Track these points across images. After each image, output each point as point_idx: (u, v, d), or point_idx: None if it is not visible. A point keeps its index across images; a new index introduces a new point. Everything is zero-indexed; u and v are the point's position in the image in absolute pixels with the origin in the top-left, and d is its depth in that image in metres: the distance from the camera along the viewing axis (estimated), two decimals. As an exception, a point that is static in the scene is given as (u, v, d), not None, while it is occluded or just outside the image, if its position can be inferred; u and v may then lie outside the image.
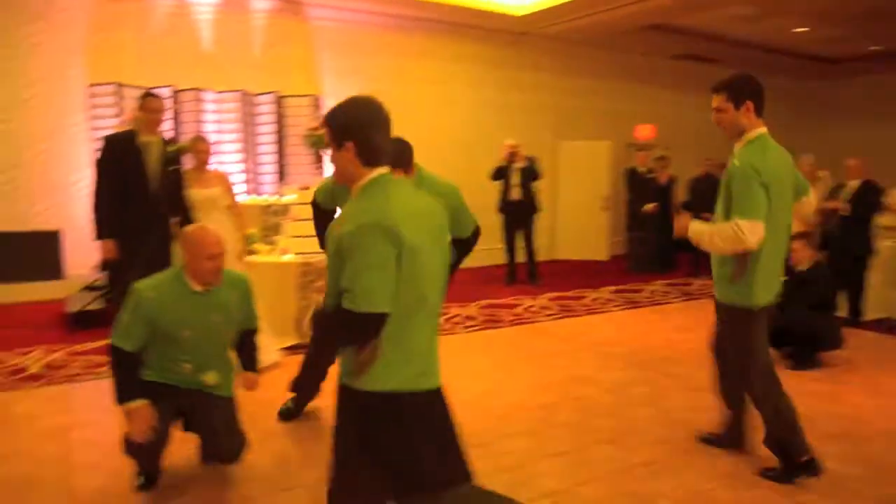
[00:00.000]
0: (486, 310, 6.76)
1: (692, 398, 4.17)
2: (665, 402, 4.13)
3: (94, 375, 4.54)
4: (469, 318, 6.40)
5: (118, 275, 4.32)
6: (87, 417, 3.79)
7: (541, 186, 8.48)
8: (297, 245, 5.24)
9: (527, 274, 8.22)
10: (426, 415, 1.93)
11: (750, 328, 3.04)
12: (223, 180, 4.95)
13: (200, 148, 4.75)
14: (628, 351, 5.28)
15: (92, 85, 7.10)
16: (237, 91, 7.66)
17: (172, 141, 4.45)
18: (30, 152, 7.03)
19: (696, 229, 3.10)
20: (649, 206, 9.03)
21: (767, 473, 3.11)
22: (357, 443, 1.90)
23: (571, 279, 8.67)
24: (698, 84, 12.20)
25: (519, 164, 8.01)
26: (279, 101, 7.86)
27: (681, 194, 9.45)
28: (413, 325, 1.87)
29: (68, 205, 7.19)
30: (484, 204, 9.32)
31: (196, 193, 4.66)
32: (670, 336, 5.77)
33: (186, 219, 4.48)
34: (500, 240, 8.28)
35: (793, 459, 3.05)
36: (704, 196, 8.96)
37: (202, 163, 4.78)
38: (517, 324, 6.22)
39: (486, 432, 3.65)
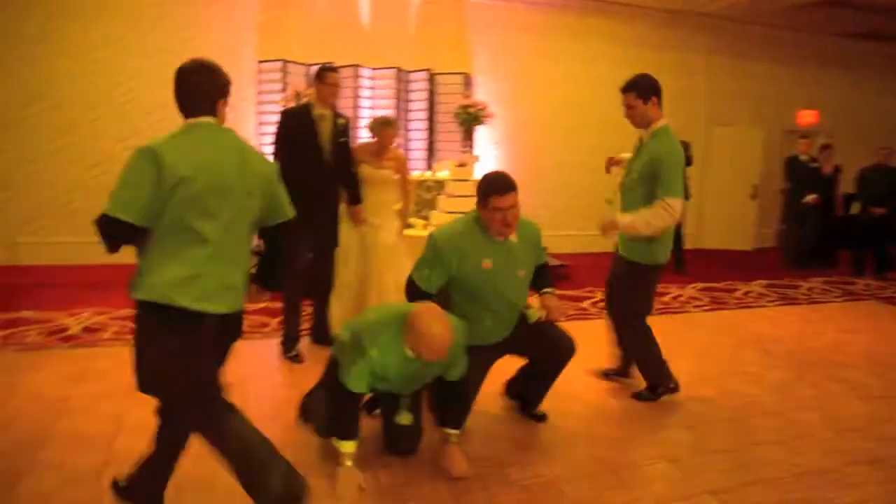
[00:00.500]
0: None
1: (866, 408, 3.86)
2: (834, 409, 3.84)
3: (261, 335, 4.86)
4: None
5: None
6: (258, 372, 4.07)
7: (690, 173, 8.10)
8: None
9: (673, 260, 7.84)
10: (178, 329, 2.20)
11: (649, 281, 3.73)
12: (399, 161, 4.90)
13: (385, 132, 4.69)
14: (789, 350, 4.97)
15: (261, 62, 7.53)
16: (392, 68, 7.86)
17: (341, 115, 4.56)
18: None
19: (627, 221, 3.51)
20: (811, 197, 8.42)
21: (637, 395, 3.83)
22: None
23: (719, 270, 8.28)
24: (871, 65, 11.23)
25: None
26: (431, 78, 7.99)
27: (846, 185, 8.75)
28: (176, 248, 2.17)
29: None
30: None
31: (366, 169, 4.69)
32: (835, 337, 5.37)
33: (354, 192, 4.64)
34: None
35: (660, 385, 3.80)
36: (876, 188, 8.28)
37: (384, 145, 4.74)
38: (665, 312, 6.02)
39: (641, 420, 3.58)
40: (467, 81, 8.05)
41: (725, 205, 10.29)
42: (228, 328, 2.40)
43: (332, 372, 2.87)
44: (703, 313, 6.07)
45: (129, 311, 5.16)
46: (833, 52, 10.90)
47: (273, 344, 4.62)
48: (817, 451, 3.27)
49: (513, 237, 3.09)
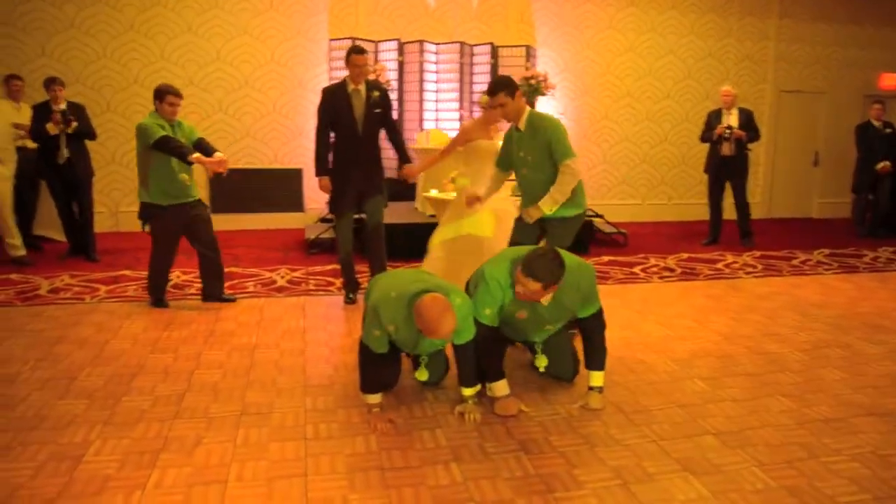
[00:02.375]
0: (686, 262, 6.75)
1: (894, 369, 3.98)
2: (860, 368, 3.96)
3: (325, 292, 5.38)
4: (667, 269, 6.47)
5: (334, 205, 5.19)
6: (318, 323, 4.57)
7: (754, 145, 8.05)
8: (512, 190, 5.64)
9: (738, 234, 7.85)
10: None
11: (578, 228, 4.21)
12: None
13: (492, 103, 4.90)
14: (833, 314, 5.05)
15: (332, 40, 8.01)
16: (455, 42, 8.17)
17: (377, 86, 5.08)
18: (281, 100, 8.15)
19: (548, 199, 3.94)
20: (882, 165, 8.21)
21: None
22: None
23: (782, 239, 8.23)
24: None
25: (733, 114, 7.57)
26: (494, 51, 8.25)
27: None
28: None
29: (308, 147, 8.27)
30: (697, 158, 9.13)
31: (479, 143, 4.91)
32: (885, 304, 5.38)
33: (401, 154, 5.19)
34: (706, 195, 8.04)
35: None
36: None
37: (491, 117, 4.82)
38: (714, 278, 6.16)
39: (662, 372, 3.84)
40: (529, 53, 8.26)
41: (791, 172, 10.13)
42: None
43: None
44: (752, 279, 6.16)
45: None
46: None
47: (335, 300, 5.14)
48: (829, 404, 3.44)
49: (544, 300, 3.18)
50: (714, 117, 7.58)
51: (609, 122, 9.26)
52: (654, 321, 4.77)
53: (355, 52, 4.84)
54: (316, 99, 8.44)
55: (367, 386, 3.16)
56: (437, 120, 8.32)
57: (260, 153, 8.19)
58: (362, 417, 3.15)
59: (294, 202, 8.22)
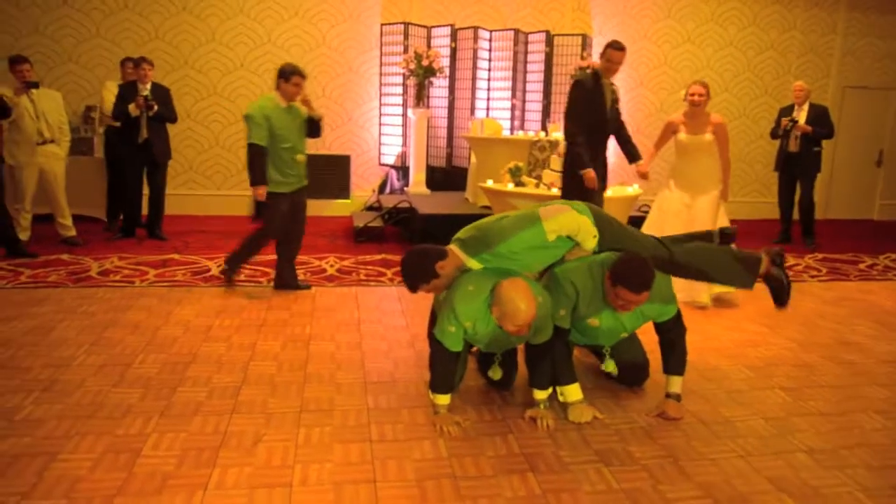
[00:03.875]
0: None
1: None
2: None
3: (377, 283, 5.23)
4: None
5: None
6: (373, 315, 4.42)
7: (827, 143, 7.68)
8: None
9: (801, 233, 7.50)
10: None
11: None
12: (719, 128, 4.92)
13: (689, 90, 4.92)
14: (911, 324, 4.75)
15: (383, 24, 7.84)
16: (510, 30, 7.94)
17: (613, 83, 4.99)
18: (331, 84, 8.01)
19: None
20: None
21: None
22: None
23: (844, 241, 7.87)
24: None
25: (804, 110, 7.13)
26: (549, 39, 8.00)
27: None
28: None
29: (357, 133, 8.13)
30: (754, 155, 8.78)
31: (682, 137, 4.96)
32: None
33: (631, 152, 5.10)
34: (774, 193, 7.67)
35: None
36: None
37: (695, 105, 4.89)
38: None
39: (741, 381, 3.61)
40: (585, 43, 8.00)
41: (852, 172, 9.71)
42: None
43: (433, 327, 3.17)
44: (818, 283, 5.86)
45: (260, 258, 5.71)
46: None
47: (388, 292, 4.98)
48: (926, 423, 3.20)
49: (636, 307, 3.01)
50: (785, 113, 7.24)
51: (664, 115, 8.93)
52: (721, 325, 4.52)
53: (612, 48, 4.75)
54: (364, 84, 8.41)
55: (438, 385, 2.98)
56: (488, 109, 8.12)
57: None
58: (428, 419, 2.98)
59: (341, 189, 8.09)
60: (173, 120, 6.44)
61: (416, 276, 2.98)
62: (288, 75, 4.58)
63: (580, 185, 4.77)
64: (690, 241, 3.50)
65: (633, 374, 3.42)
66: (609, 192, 5.49)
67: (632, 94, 8.78)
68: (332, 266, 5.67)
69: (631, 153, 5.09)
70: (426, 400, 3.15)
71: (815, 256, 6.87)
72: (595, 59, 7.94)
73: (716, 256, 3.41)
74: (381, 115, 8.06)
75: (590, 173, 4.76)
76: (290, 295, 4.81)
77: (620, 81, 8.46)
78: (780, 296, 3.53)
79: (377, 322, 4.30)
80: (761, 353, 4.05)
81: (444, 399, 2.98)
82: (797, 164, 7.19)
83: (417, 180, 7.71)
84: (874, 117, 9.58)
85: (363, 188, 8.19)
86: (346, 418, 2.97)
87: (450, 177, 8.12)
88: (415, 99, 7.59)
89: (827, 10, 9.15)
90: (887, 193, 9.76)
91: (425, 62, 7.20)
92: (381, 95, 8.00)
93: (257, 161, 4.56)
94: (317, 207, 8.09)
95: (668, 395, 3.16)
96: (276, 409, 3.02)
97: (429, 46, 7.71)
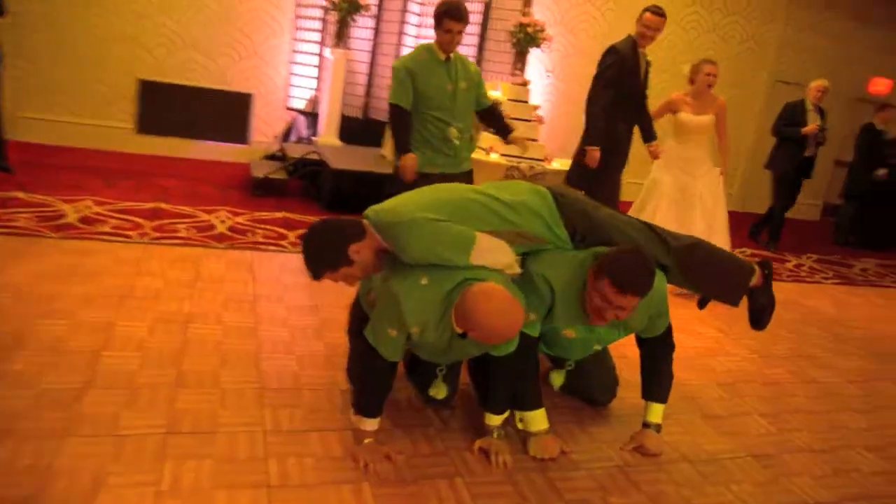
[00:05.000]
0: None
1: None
2: (929, 412, 3.34)
3: (277, 248, 4.33)
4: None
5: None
6: (273, 290, 3.55)
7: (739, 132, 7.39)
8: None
9: (770, 235, 7.12)
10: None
11: None
12: (722, 109, 4.74)
13: (706, 70, 4.62)
14: (863, 336, 4.43)
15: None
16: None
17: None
18: (239, 9, 6.81)
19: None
20: (881, 171, 7.73)
21: None
22: None
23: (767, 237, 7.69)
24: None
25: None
26: (487, -9, 7.19)
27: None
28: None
29: (263, 69, 7.03)
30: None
31: (685, 117, 4.69)
32: (909, 327, 4.83)
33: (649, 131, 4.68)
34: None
35: None
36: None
37: (703, 85, 4.64)
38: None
39: (715, 403, 3.07)
40: (527, 1, 7.24)
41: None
42: None
43: (359, 330, 2.39)
44: (761, 283, 5.50)
45: (133, 205, 4.64)
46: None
47: (290, 259, 4.10)
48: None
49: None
50: (799, 112, 6.82)
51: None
52: (676, 326, 3.98)
53: (650, 12, 4.35)
54: (282, 16, 7.28)
55: (366, 406, 2.21)
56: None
57: (204, 69, 6.84)
58: (347, 450, 2.20)
59: (238, 132, 6.96)
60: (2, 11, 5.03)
61: (321, 259, 2.16)
62: (439, 18, 3.45)
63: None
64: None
65: (601, 394, 2.79)
66: (555, 164, 4.86)
67: (569, 60, 8.14)
68: (223, 222, 4.69)
69: (647, 131, 4.68)
70: (344, 420, 2.37)
71: (742, 251, 6.57)
72: (537, 17, 7.24)
73: (713, 258, 2.77)
74: (293, 51, 6.97)
75: (595, 152, 4.37)
76: (166, 256, 3.82)
77: (558, 45, 7.82)
78: (762, 318, 2.86)
79: (277, 300, 3.43)
80: (725, 365, 3.54)
81: (371, 424, 2.21)
82: (809, 168, 6.95)
83: (329, 130, 6.74)
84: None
85: (265, 133, 7.10)
86: (233, 446, 2.13)
87: (365, 129, 7.19)
88: (334, 38, 6.58)
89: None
90: (807, 193, 9.71)
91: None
92: (295, 30, 6.91)
93: (396, 126, 3.61)
94: (209, 151, 6.95)
95: (646, 425, 2.55)
96: (131, 431, 2.13)
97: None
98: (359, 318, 2.61)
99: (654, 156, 4.65)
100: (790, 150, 6.90)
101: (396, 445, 2.28)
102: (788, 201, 7.09)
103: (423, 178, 3.39)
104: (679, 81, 7.87)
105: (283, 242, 4.45)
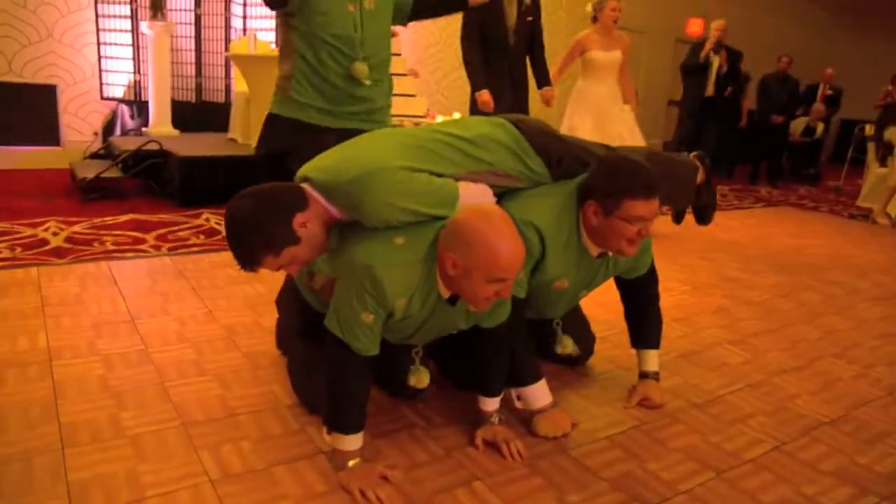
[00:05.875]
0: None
1: (887, 309, 3.46)
2: (856, 312, 3.38)
3: (137, 253, 3.56)
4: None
5: None
6: (152, 302, 2.83)
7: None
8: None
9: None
10: None
11: None
12: (626, 44, 4.72)
13: (610, 5, 4.54)
14: (763, 255, 4.51)
15: None
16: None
17: None
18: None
19: None
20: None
21: None
22: None
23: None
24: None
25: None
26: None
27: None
28: None
29: (64, 54, 5.93)
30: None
31: (596, 55, 4.61)
32: (792, 241, 5.02)
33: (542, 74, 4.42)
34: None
35: None
36: (776, 97, 8.20)
37: (609, 21, 4.58)
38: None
39: (683, 340, 2.86)
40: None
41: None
42: None
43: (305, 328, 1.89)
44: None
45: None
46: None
47: (159, 263, 3.36)
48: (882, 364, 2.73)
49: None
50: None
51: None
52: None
53: None
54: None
55: (343, 420, 1.68)
56: (245, 28, 6.45)
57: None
58: (332, 483, 1.67)
59: (47, 132, 5.83)
60: None
61: (258, 240, 1.60)
62: None
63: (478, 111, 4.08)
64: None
65: (584, 350, 2.45)
66: (439, 119, 4.46)
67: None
68: (55, 235, 3.80)
69: (540, 76, 4.42)
70: (311, 443, 1.83)
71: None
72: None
73: (666, 161, 2.60)
74: (98, 29, 5.91)
75: (483, 95, 4.10)
76: (-5, 283, 2.96)
77: None
78: (706, 214, 2.88)
79: (162, 313, 2.73)
80: (669, 301, 3.27)
81: (353, 441, 1.69)
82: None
83: (161, 118, 5.85)
84: (633, 59, 9.78)
85: (80, 130, 6.04)
86: (175, 511, 1.53)
87: (201, 114, 6.37)
88: (150, 9, 5.66)
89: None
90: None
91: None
92: (96, 2, 5.86)
93: None
94: (12, 158, 5.78)
95: (644, 375, 2.25)
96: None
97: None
98: (300, 314, 2.07)
99: (547, 102, 4.40)
100: (694, 93, 7.21)
101: (387, 460, 1.78)
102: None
103: (307, 134, 2.30)
104: (574, 21, 7.68)
105: (142, 247, 3.67)
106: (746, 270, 4.05)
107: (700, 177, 2.66)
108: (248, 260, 1.61)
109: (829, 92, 9.22)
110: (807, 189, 8.18)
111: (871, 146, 6.91)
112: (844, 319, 3.26)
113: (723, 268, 4.08)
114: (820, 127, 8.87)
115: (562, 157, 1.99)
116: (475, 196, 1.77)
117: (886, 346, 2.95)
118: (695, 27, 10.33)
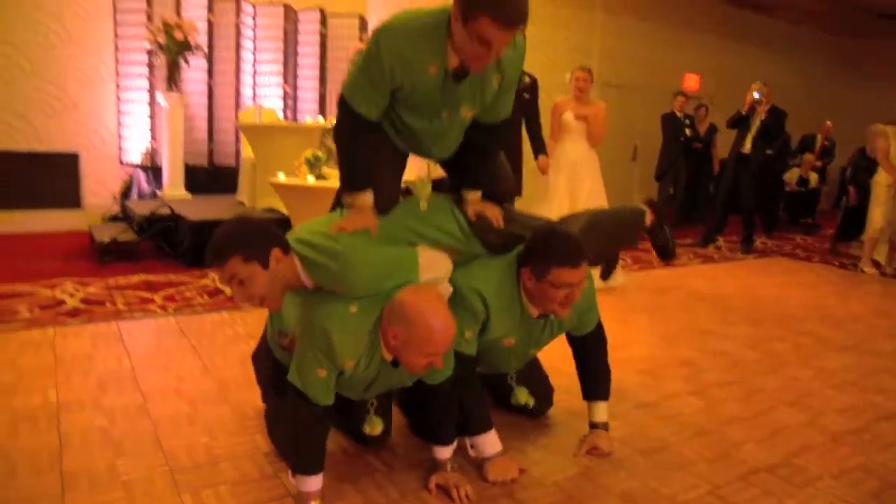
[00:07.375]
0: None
1: (851, 359, 3.62)
2: (820, 362, 3.54)
3: (145, 312, 3.85)
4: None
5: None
6: (154, 360, 3.10)
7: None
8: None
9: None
10: None
11: None
12: (598, 109, 5.01)
13: (575, 76, 4.95)
14: (741, 306, 4.69)
15: (118, -11, 6.24)
16: (278, 4, 6.82)
17: (528, 74, 4.66)
18: (44, 58, 6.13)
19: None
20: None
21: None
22: None
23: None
24: (751, 35, 11.55)
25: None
26: (324, 18, 7.02)
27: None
28: None
29: (88, 124, 6.37)
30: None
31: (567, 117, 4.97)
32: (775, 292, 5.20)
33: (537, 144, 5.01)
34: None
35: None
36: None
37: (574, 91, 4.97)
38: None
39: (643, 391, 3.04)
40: (363, 25, 7.17)
41: (610, 167, 10.19)
42: None
43: (274, 383, 2.14)
44: (635, 272, 5.71)
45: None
46: (720, 19, 11.07)
47: (165, 323, 3.64)
48: (833, 411, 2.90)
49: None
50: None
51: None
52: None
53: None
54: (100, 62, 6.60)
55: (305, 463, 1.92)
56: (255, 96, 6.90)
57: (16, 131, 6.09)
58: (297, 521, 1.90)
59: (70, 197, 6.24)
60: None
61: (237, 242, 1.83)
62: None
63: None
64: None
65: (541, 403, 2.66)
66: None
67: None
68: (72, 296, 4.11)
69: (536, 147, 5.07)
70: (281, 486, 2.06)
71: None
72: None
73: (611, 217, 2.87)
74: (118, 100, 6.38)
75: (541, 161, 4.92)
76: (11, 342, 3.25)
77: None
78: (668, 250, 3.02)
79: (162, 369, 3.00)
80: (637, 354, 3.55)
81: (314, 482, 1.92)
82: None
83: (174, 182, 6.22)
84: (627, 115, 10.11)
85: (100, 195, 6.44)
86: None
87: (213, 178, 6.75)
88: (166, 82, 6.10)
89: (588, 10, 9.46)
90: (643, 187, 10.37)
91: (178, 35, 5.79)
92: (117, 76, 6.34)
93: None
94: (37, 221, 6.17)
95: (594, 426, 2.45)
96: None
97: (178, 15, 6.24)
98: (270, 370, 2.32)
99: (543, 170, 5.06)
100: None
101: (346, 501, 2.00)
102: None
103: None
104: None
105: (150, 307, 3.97)
106: (722, 322, 4.23)
107: (649, 219, 2.86)
108: (219, 252, 1.82)
109: (826, 143, 9.48)
110: (802, 238, 8.34)
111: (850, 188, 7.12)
112: (806, 369, 3.43)
113: (698, 320, 4.26)
114: (813, 177, 9.08)
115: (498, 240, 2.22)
116: (433, 259, 2.04)
117: (841, 394, 3.11)
118: (691, 82, 10.70)
